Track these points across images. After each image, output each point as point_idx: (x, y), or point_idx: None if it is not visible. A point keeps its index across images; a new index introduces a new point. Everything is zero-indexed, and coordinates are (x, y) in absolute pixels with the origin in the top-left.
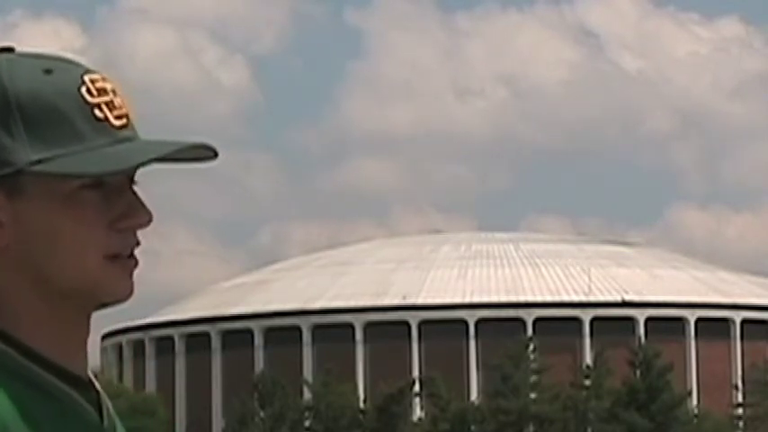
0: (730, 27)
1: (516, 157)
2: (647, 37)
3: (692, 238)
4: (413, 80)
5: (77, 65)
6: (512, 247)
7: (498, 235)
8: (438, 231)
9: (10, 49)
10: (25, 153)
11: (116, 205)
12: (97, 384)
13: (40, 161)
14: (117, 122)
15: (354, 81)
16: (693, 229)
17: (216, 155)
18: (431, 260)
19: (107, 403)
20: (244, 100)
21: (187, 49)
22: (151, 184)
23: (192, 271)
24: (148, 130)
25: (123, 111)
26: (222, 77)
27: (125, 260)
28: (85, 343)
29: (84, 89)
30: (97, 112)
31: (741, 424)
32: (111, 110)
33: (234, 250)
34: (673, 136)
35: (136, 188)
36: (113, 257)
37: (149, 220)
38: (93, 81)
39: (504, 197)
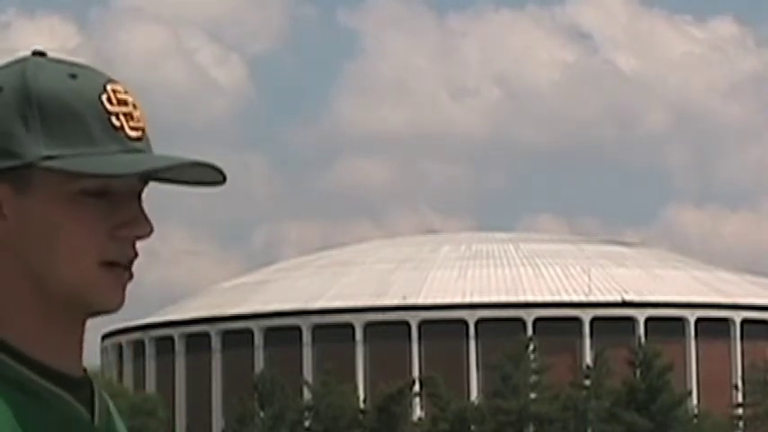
0: (724, 27)
1: (511, 157)
2: (642, 37)
3: (687, 237)
4: (407, 80)
5: (103, 75)
6: (511, 246)
7: (498, 235)
8: (434, 231)
9: (42, 54)
10: (38, 148)
11: (119, 214)
12: (94, 383)
13: (50, 157)
14: (132, 133)
15: (349, 81)
16: (689, 228)
17: (224, 179)
18: (430, 260)
19: (104, 402)
20: (239, 100)
21: (182, 49)
22: (149, 183)
23: (189, 271)
24: None
25: (140, 124)
26: (218, 77)
27: (120, 270)
28: (79, 343)
29: (104, 97)
30: (114, 120)
31: (741, 424)
32: (128, 120)
33: (230, 250)
34: (668, 136)
35: (142, 202)
36: (109, 265)
37: (149, 233)
38: (114, 91)
39: (500, 197)
